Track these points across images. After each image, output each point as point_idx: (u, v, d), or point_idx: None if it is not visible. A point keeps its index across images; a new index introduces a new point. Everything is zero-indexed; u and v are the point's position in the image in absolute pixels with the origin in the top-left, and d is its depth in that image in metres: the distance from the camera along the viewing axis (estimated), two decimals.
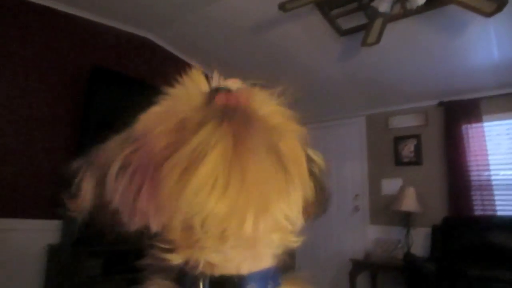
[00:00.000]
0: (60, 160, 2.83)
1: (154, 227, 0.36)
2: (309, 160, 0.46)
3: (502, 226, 3.40)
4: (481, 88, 3.94)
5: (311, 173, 0.44)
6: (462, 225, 3.61)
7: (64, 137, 2.87)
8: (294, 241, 0.41)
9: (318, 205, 0.47)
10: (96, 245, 2.59)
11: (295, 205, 0.38)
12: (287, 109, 0.45)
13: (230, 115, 0.35)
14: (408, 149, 4.45)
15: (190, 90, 0.41)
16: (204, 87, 0.41)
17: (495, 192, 3.80)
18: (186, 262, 0.36)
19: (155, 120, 0.39)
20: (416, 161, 4.37)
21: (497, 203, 3.77)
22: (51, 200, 2.74)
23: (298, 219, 0.39)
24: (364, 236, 4.54)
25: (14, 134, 2.62)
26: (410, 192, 4.01)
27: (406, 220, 4.08)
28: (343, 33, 3.18)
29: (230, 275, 0.36)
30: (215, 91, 0.38)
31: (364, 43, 2.87)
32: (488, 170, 3.85)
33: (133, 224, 0.38)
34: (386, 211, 4.39)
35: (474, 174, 3.90)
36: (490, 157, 3.88)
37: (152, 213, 0.35)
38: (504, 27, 2.93)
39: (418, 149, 4.38)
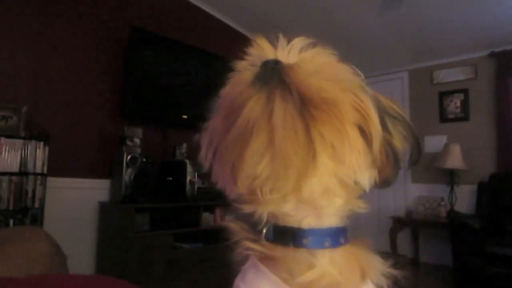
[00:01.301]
0: (105, 123, 2.95)
1: (229, 187, 0.43)
2: (379, 110, 0.44)
3: None
4: None
5: (383, 126, 0.43)
6: (510, 182, 3.45)
7: (108, 98, 2.97)
8: (361, 207, 0.44)
9: (391, 166, 0.45)
10: (142, 202, 2.73)
11: (350, 167, 0.40)
12: (337, 66, 0.45)
13: (272, 88, 0.39)
14: (454, 104, 4.23)
15: (247, 67, 0.44)
16: (269, 55, 0.43)
17: None
18: (255, 212, 0.42)
19: (224, 94, 0.45)
20: (463, 116, 4.15)
21: None
22: (100, 160, 2.90)
23: (362, 182, 0.42)
24: (406, 194, 4.47)
25: (63, 96, 2.74)
26: (455, 149, 3.85)
27: (450, 177, 3.96)
28: None
29: (291, 227, 0.42)
30: (264, 65, 0.41)
31: None
32: None
33: (218, 184, 0.45)
34: (428, 169, 4.26)
35: None
36: None
37: (225, 176, 0.43)
38: None
39: (465, 104, 4.15)
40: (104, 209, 2.82)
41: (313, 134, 0.38)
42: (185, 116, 3.35)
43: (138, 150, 2.88)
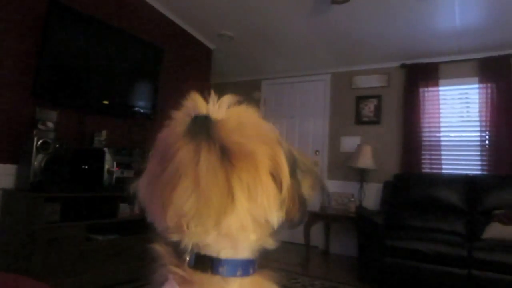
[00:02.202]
0: (15, 103, 2.69)
1: (159, 221, 0.49)
2: (291, 162, 0.52)
3: (446, 182, 3.68)
4: (441, 53, 4.08)
5: (293, 175, 0.51)
6: (410, 181, 3.87)
7: (19, 78, 2.71)
8: (270, 244, 0.52)
9: (297, 209, 0.52)
10: (52, 191, 2.55)
11: (262, 208, 0.47)
12: (258, 123, 0.53)
13: (199, 141, 0.46)
14: (368, 108, 4.59)
15: (181, 118, 0.51)
16: (201, 108, 0.51)
17: (443, 152, 4.07)
18: (181, 242, 0.49)
19: (160, 140, 0.52)
20: (375, 120, 4.54)
21: (443, 162, 4.05)
22: (6, 144, 2.64)
23: (273, 220, 0.49)
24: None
25: None
26: (367, 150, 4.20)
27: (361, 176, 4.31)
28: None
29: (210, 256, 0.48)
30: (194, 119, 0.48)
31: (334, 1, 2.85)
32: (439, 131, 4.09)
33: (150, 218, 0.51)
34: (343, 167, 4.59)
35: (426, 135, 4.14)
36: (442, 120, 4.11)
37: (156, 212, 0.49)
38: None
39: (378, 109, 4.53)
40: (8, 197, 2.58)
41: (232, 179, 0.45)
42: (106, 102, 3.19)
43: (52, 135, 2.68)
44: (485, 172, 3.81)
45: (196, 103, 0.52)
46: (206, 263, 0.48)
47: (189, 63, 4.31)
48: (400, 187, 3.92)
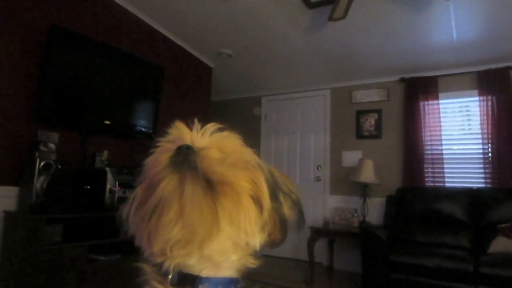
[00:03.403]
0: (16, 126, 2.71)
1: (145, 247, 0.52)
2: (271, 184, 0.54)
3: (449, 196, 3.66)
4: (439, 66, 4.11)
5: (273, 198, 0.53)
6: (413, 195, 3.85)
7: (20, 102, 2.74)
8: (252, 262, 0.54)
9: (278, 231, 0.55)
10: (54, 212, 2.55)
11: (244, 231, 0.49)
12: (240, 149, 0.55)
13: (183, 171, 0.47)
14: (369, 123, 4.60)
15: (166, 146, 0.53)
16: (185, 136, 0.53)
17: (445, 165, 4.06)
18: (164, 263, 0.51)
19: (145, 170, 0.54)
20: (376, 134, 4.54)
21: (446, 175, 4.03)
22: (8, 166, 2.65)
23: (255, 242, 0.52)
24: (324, 205, 4.74)
25: None
26: (369, 164, 4.20)
27: (363, 190, 4.29)
28: (312, 6, 3.17)
29: (192, 274, 0.50)
30: (178, 149, 0.49)
31: (331, 18, 2.89)
32: (441, 144, 4.09)
33: (137, 243, 0.54)
34: (345, 181, 4.58)
35: (428, 148, 4.13)
36: (443, 133, 4.11)
37: (142, 239, 0.51)
38: (462, 9, 3.04)
39: (378, 123, 4.54)
40: (10, 219, 2.58)
41: (215, 207, 0.47)
42: (107, 122, 3.21)
43: (53, 156, 2.69)
44: (488, 185, 3.78)
45: (180, 132, 0.55)
46: (187, 281, 0.50)
47: (189, 82, 4.35)
48: (403, 201, 3.90)
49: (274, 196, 0.54)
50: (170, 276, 0.50)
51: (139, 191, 0.52)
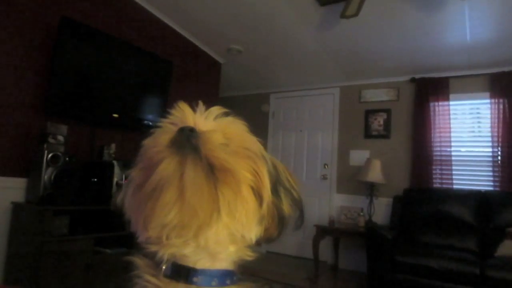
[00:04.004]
0: (25, 118, 2.73)
1: (140, 232, 0.50)
2: (273, 178, 0.52)
3: (457, 198, 3.62)
4: (451, 67, 4.05)
5: (274, 192, 0.51)
6: (421, 197, 3.82)
7: (30, 93, 2.75)
8: (249, 255, 0.52)
9: (275, 227, 0.53)
10: (61, 204, 2.57)
11: (241, 222, 0.48)
12: (244, 136, 0.53)
13: (184, 152, 0.45)
14: (377, 122, 4.57)
15: (167, 127, 0.51)
16: (189, 119, 0.51)
17: (454, 167, 4.01)
18: (158, 252, 0.49)
19: (144, 151, 0.51)
20: (384, 134, 4.50)
21: (454, 177, 3.99)
22: (16, 157, 2.67)
23: (250, 236, 0.50)
24: (330, 204, 4.73)
25: None
26: (376, 164, 4.17)
27: (370, 190, 4.27)
28: (323, 2, 3.14)
29: (187, 266, 0.48)
30: (181, 131, 0.47)
31: (343, 15, 2.86)
32: (450, 146, 4.04)
33: (131, 228, 0.51)
34: (352, 180, 4.55)
35: (437, 149, 4.09)
36: (453, 134, 4.06)
37: (138, 223, 0.49)
38: (477, 10, 2.99)
39: (387, 123, 4.51)
40: (18, 210, 2.60)
41: (217, 192, 0.45)
42: (116, 115, 3.22)
43: (62, 149, 2.71)
44: (497, 188, 3.74)
45: (184, 114, 0.52)
46: (181, 273, 0.48)
47: (198, 77, 4.34)
48: (411, 202, 3.87)
49: (275, 190, 0.52)
50: (163, 267, 0.49)
51: (136, 173, 0.50)
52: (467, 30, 3.30)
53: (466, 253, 3.13)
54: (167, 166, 0.45)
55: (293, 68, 4.72)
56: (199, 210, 0.44)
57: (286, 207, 0.53)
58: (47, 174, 2.56)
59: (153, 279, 0.48)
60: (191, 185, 0.44)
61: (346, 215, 4.47)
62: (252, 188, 0.49)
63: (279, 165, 0.55)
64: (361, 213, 4.23)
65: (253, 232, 0.50)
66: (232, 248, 0.50)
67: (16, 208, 2.61)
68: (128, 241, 2.95)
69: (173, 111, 0.53)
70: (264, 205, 0.49)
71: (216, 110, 0.54)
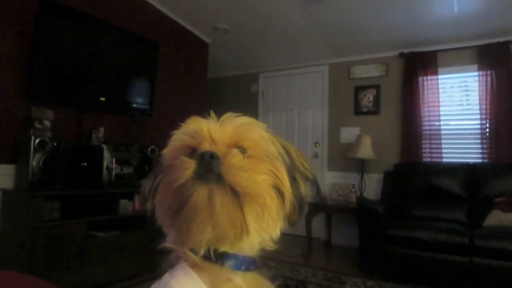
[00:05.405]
0: (10, 103, 2.68)
1: (176, 244, 0.55)
2: (289, 167, 0.57)
3: (446, 171, 3.67)
4: (439, 41, 4.04)
5: (292, 182, 0.56)
6: (411, 171, 3.86)
7: (14, 78, 2.69)
8: (271, 246, 0.58)
9: (296, 213, 0.59)
10: (51, 189, 2.55)
11: (268, 226, 0.54)
12: (261, 142, 0.56)
13: (210, 184, 0.50)
14: (367, 98, 4.57)
15: (184, 139, 0.56)
16: (203, 130, 0.55)
17: (443, 141, 4.05)
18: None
19: (163, 162, 0.57)
20: (374, 110, 4.51)
21: (444, 151, 4.04)
22: (3, 144, 2.63)
23: (275, 233, 0.56)
24: (322, 181, 4.76)
25: None
26: (366, 141, 4.19)
27: (361, 166, 4.30)
28: None
29: (221, 251, 0.53)
30: (201, 158, 0.50)
31: None
32: (439, 120, 4.07)
33: (163, 230, 0.57)
34: (343, 158, 4.58)
35: (426, 124, 4.11)
36: (442, 108, 4.08)
37: (170, 231, 0.56)
38: None
39: (377, 99, 4.51)
40: (7, 197, 2.58)
41: (244, 214, 0.51)
42: (103, 98, 3.17)
43: (49, 134, 2.67)
44: (485, 160, 3.79)
45: (198, 124, 0.56)
46: (217, 256, 0.53)
47: (185, 58, 4.28)
48: (401, 177, 3.92)
49: (292, 177, 0.57)
50: (201, 251, 0.54)
51: (162, 187, 0.54)
52: (454, 2, 3.28)
53: (456, 224, 3.19)
54: (197, 199, 0.49)
55: (281, 47, 4.67)
56: (229, 231, 0.50)
57: (303, 189, 0.58)
58: (35, 160, 2.53)
59: (191, 254, 0.53)
60: (220, 211, 0.49)
61: (338, 191, 4.52)
62: (274, 188, 0.54)
63: (292, 150, 0.60)
64: (353, 190, 4.27)
65: (278, 228, 0.56)
66: (257, 242, 0.55)
67: (6, 195, 2.58)
68: (120, 224, 2.95)
69: (187, 122, 0.57)
70: (287, 202, 0.55)
71: (228, 117, 0.57)
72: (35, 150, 2.53)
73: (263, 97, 5.42)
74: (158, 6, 3.83)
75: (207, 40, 4.56)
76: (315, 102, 4.98)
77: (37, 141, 2.54)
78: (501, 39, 3.77)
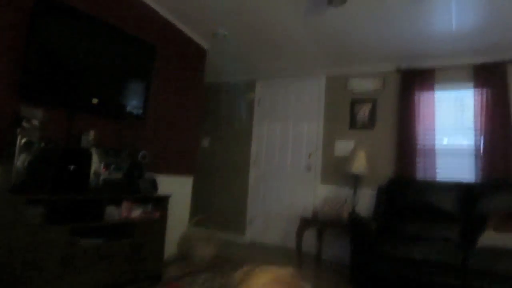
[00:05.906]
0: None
1: None
2: None
3: (440, 190, 3.64)
4: (437, 56, 4.04)
5: None
6: (404, 187, 3.83)
7: (3, 76, 2.60)
8: None
9: None
10: (35, 193, 2.45)
11: None
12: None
13: None
14: (363, 112, 4.54)
15: None
16: None
17: (437, 158, 4.03)
18: None
19: None
20: (369, 125, 4.48)
21: (437, 167, 4.00)
22: None
23: None
24: (314, 194, 4.70)
25: None
26: (361, 155, 4.15)
27: (355, 181, 4.25)
28: None
29: None
30: None
31: (330, 2, 2.79)
32: (434, 137, 4.05)
33: None
34: (336, 171, 4.53)
35: (421, 140, 4.08)
36: (437, 125, 4.06)
37: None
38: None
39: (372, 114, 4.48)
40: None
41: None
42: (95, 101, 3.09)
43: (36, 134, 2.58)
44: (479, 178, 3.76)
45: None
46: None
47: (182, 63, 4.22)
48: (394, 193, 3.87)
49: None
50: None
51: None
52: (453, 18, 3.27)
53: (448, 244, 3.14)
54: None
55: (279, 55, 4.65)
56: None
57: None
58: (20, 161, 2.44)
59: None
60: None
61: (330, 205, 4.45)
62: None
63: None
64: (345, 204, 4.22)
65: None
66: None
67: None
68: (105, 232, 2.86)
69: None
70: None
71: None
72: (21, 151, 2.44)
73: (259, 105, 5.37)
74: (157, 8, 3.78)
75: (205, 45, 4.51)
76: (311, 112, 4.95)
77: (23, 140, 2.45)
78: (497, 58, 3.78)
